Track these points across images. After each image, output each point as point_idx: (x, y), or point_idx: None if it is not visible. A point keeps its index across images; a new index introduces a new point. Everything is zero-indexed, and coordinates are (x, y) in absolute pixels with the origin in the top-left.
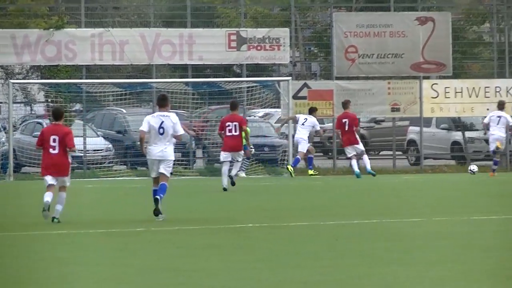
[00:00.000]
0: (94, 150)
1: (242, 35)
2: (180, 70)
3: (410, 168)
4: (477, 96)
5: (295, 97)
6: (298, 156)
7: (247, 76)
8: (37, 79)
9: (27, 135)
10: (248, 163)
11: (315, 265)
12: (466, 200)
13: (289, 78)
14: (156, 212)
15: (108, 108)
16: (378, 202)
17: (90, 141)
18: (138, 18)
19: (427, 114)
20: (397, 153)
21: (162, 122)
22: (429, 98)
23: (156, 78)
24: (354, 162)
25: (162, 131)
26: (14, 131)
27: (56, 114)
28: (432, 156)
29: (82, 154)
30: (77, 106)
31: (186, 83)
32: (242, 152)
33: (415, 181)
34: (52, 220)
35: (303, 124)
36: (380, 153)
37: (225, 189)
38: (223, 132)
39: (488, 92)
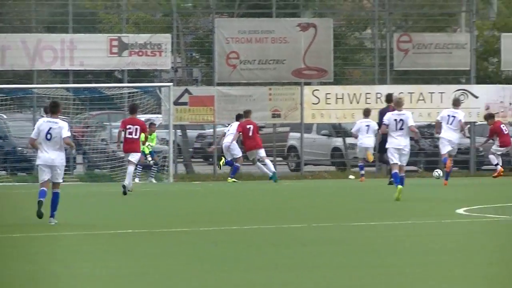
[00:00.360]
0: None
1: (124, 41)
2: (61, 75)
3: (290, 174)
4: (358, 103)
5: (176, 103)
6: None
7: (128, 82)
8: None
9: None
10: (157, 169)
11: (197, 269)
12: (344, 205)
13: (170, 84)
14: (39, 214)
15: None
16: (257, 208)
17: None
18: (20, 23)
19: (308, 120)
20: (277, 159)
21: (50, 128)
22: (310, 104)
23: (37, 84)
24: (260, 165)
25: (49, 137)
26: None
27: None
28: (313, 162)
29: None
30: None
31: (67, 89)
32: (139, 154)
33: (295, 187)
34: None
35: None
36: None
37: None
38: (123, 130)
39: (369, 98)
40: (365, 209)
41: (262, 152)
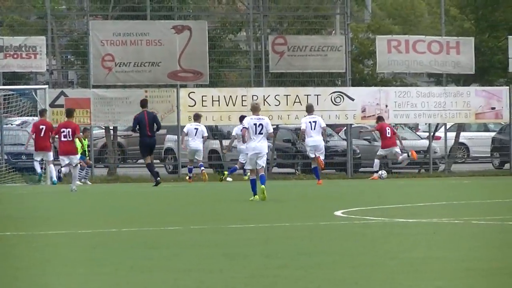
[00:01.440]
0: None
1: None
2: None
3: (168, 176)
4: (234, 105)
5: (52, 105)
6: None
7: (4, 84)
8: None
9: None
10: (89, 170)
11: (72, 272)
12: (220, 208)
13: (46, 86)
14: None
15: None
16: (135, 211)
17: None
18: None
19: (184, 122)
20: (155, 161)
21: None
22: (186, 106)
23: None
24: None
25: None
26: None
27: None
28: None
29: None
30: None
31: None
32: (78, 156)
33: (173, 190)
34: None
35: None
36: (138, 161)
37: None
38: (56, 136)
39: (245, 100)
40: (242, 210)
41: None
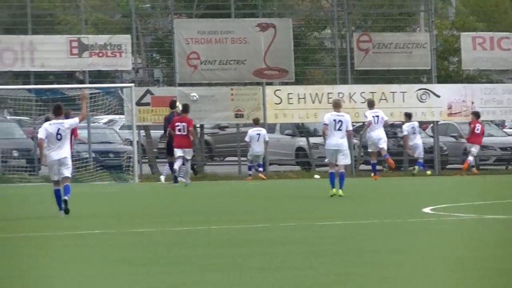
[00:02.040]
0: None
1: (84, 42)
2: (23, 77)
3: (255, 173)
4: (320, 102)
5: (138, 103)
6: None
7: (90, 83)
8: None
9: None
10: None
11: (142, 272)
12: (305, 205)
13: (132, 84)
14: (67, 211)
15: None
16: (223, 209)
17: None
18: None
19: (270, 120)
20: (242, 159)
21: (59, 129)
22: (272, 104)
23: None
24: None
25: (59, 137)
26: None
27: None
28: (277, 161)
29: None
30: None
31: (29, 90)
32: (192, 150)
33: (260, 187)
34: None
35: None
36: (225, 159)
37: None
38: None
39: (331, 98)
40: (330, 208)
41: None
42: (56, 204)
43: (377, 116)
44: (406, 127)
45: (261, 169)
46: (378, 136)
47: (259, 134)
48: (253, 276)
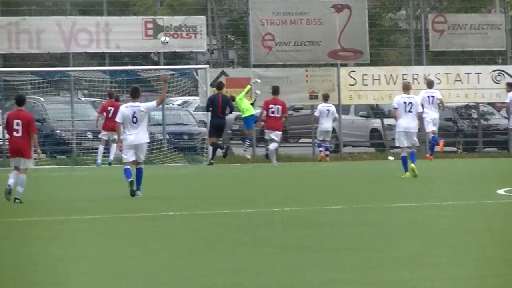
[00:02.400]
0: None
1: (159, 23)
2: (98, 58)
3: (329, 155)
4: (394, 83)
5: (213, 84)
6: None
7: (164, 64)
8: None
9: None
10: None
11: (236, 252)
12: (378, 187)
13: (207, 66)
14: (133, 193)
15: (26, 96)
16: (297, 190)
17: None
18: (54, 6)
19: (345, 101)
20: (316, 140)
21: (135, 112)
22: (347, 85)
23: (73, 66)
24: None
25: (135, 120)
26: None
27: (19, 101)
28: (351, 143)
29: (1, 143)
30: None
31: (104, 71)
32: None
33: (334, 169)
34: (14, 200)
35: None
36: (300, 141)
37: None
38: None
39: (405, 79)
40: (404, 190)
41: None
42: (125, 178)
43: (433, 97)
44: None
45: (327, 152)
46: (433, 116)
47: (328, 110)
48: (321, 257)
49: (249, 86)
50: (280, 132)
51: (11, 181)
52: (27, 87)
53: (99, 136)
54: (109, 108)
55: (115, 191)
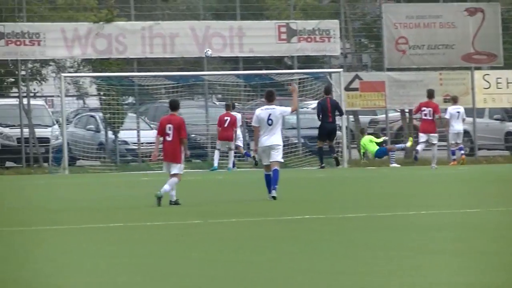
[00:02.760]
0: (148, 143)
1: (292, 27)
2: (231, 62)
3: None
4: None
5: (347, 88)
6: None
7: (298, 68)
8: (89, 73)
9: (80, 128)
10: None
11: (367, 255)
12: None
13: (341, 69)
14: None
15: (160, 101)
16: (434, 193)
17: (143, 134)
18: (188, 10)
19: (479, 105)
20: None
21: (270, 114)
22: (481, 88)
23: (207, 71)
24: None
25: (270, 122)
26: (68, 124)
27: (173, 105)
28: (486, 146)
29: (136, 147)
30: (130, 99)
31: (238, 76)
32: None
33: (468, 171)
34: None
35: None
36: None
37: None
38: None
39: None
40: None
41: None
42: (266, 188)
43: (458, 112)
44: None
45: (462, 151)
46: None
47: (458, 112)
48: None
49: (381, 140)
50: (435, 134)
51: (165, 187)
52: (161, 92)
53: (216, 146)
54: (225, 118)
55: (246, 194)
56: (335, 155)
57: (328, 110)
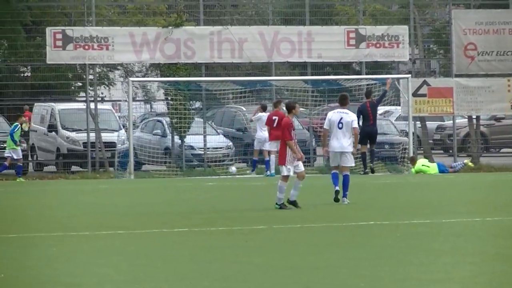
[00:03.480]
0: (214, 148)
1: (361, 33)
2: (299, 67)
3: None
4: None
5: (415, 94)
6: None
7: (366, 74)
8: (157, 77)
9: (147, 133)
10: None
11: (436, 262)
12: None
13: (409, 75)
14: (337, 200)
15: (227, 106)
16: (499, 200)
17: (210, 139)
18: (256, 15)
19: None
20: None
21: (342, 117)
22: None
23: (275, 76)
24: None
25: (341, 125)
26: (134, 129)
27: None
28: None
29: (202, 152)
30: (197, 104)
31: (305, 81)
32: None
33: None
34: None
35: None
36: (501, 151)
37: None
38: None
39: None
40: None
41: None
42: (332, 183)
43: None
44: None
45: None
46: None
47: None
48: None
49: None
50: None
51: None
52: (228, 96)
53: (265, 147)
54: (274, 117)
55: (307, 200)
56: (372, 165)
57: (369, 114)
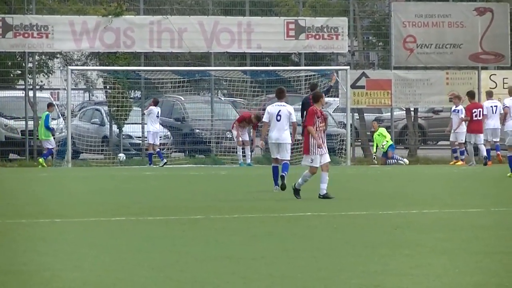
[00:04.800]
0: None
1: (301, 24)
2: (239, 58)
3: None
4: None
5: (353, 86)
6: None
7: (305, 65)
8: (96, 66)
9: (85, 121)
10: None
11: (373, 254)
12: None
13: (347, 67)
14: (283, 186)
15: (166, 95)
16: (434, 192)
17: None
18: (196, 5)
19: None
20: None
21: (280, 110)
22: (487, 88)
23: (214, 66)
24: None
25: (279, 118)
26: (73, 117)
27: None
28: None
29: (140, 141)
30: (136, 94)
31: (244, 71)
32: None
33: (478, 171)
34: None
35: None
36: (438, 143)
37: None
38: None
39: None
40: None
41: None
42: (273, 179)
43: (496, 106)
44: None
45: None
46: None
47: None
48: (478, 260)
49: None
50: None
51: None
52: (167, 86)
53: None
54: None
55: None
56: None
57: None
